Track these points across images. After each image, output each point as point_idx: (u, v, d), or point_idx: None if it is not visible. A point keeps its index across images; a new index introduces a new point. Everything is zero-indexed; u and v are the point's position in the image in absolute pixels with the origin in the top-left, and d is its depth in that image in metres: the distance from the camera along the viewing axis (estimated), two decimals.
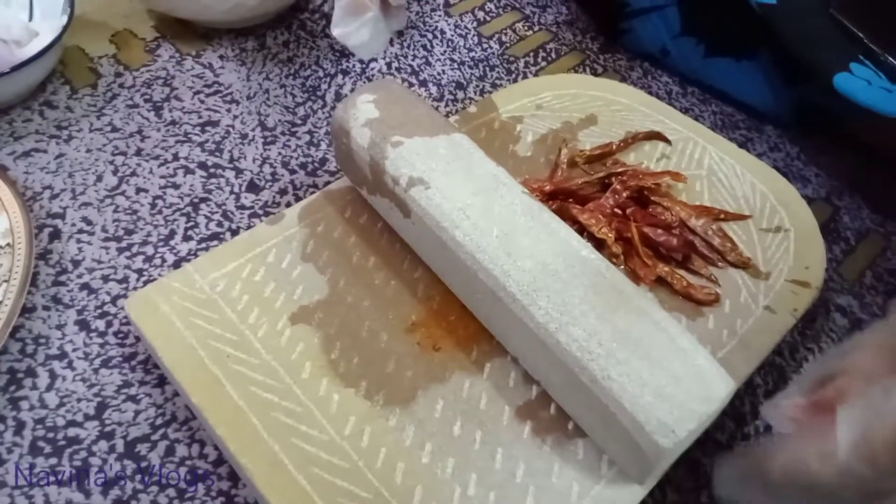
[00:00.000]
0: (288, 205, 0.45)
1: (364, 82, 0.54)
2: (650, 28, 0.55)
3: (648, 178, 0.41)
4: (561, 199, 0.41)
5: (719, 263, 0.40)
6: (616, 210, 0.40)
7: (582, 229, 0.40)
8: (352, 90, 0.53)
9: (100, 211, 0.44)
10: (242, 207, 0.45)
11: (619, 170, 0.42)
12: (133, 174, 0.46)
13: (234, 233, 0.43)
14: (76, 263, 0.41)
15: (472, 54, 0.57)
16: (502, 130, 0.46)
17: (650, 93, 0.53)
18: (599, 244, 0.39)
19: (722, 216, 0.42)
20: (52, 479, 0.33)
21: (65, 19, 0.49)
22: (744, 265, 0.40)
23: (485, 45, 0.58)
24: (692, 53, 0.55)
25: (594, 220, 0.39)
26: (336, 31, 0.38)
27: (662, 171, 0.43)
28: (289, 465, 0.31)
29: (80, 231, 0.43)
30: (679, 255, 0.39)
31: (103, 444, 0.34)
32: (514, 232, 0.33)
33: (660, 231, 0.39)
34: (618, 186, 0.41)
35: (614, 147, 0.45)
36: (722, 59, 0.54)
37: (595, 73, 0.57)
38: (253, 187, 0.46)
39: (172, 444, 0.35)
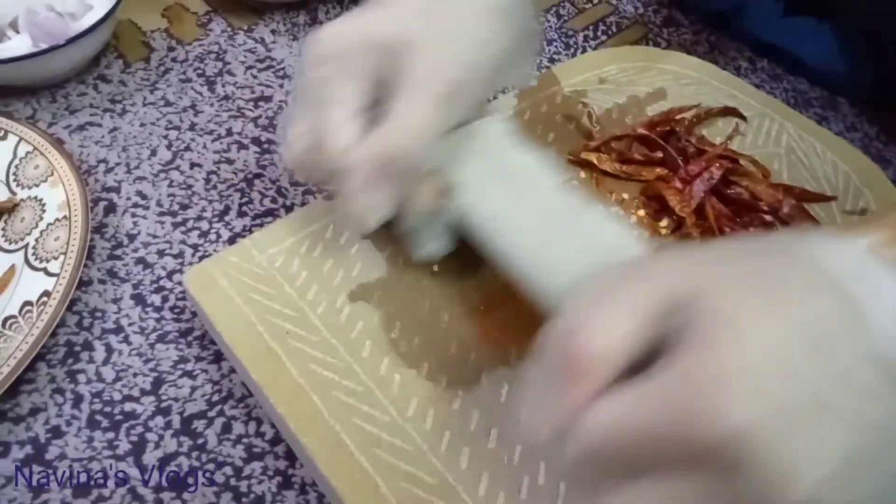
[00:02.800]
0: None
1: None
2: None
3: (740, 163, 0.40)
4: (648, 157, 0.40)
5: None
6: (702, 193, 0.38)
7: (664, 204, 0.38)
8: None
9: (154, 185, 0.43)
10: (296, 184, 0.44)
11: (715, 152, 0.40)
12: (187, 149, 0.45)
13: (288, 209, 0.42)
14: (131, 237, 0.41)
15: None
16: (564, 105, 0.44)
17: (718, 68, 0.50)
18: (680, 221, 0.38)
19: (804, 196, 0.39)
20: (109, 452, 0.33)
21: None
22: None
23: (541, 19, 0.56)
24: (769, 12, 0.51)
25: (678, 197, 0.37)
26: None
27: (751, 157, 0.41)
28: (350, 446, 0.30)
29: (135, 205, 0.42)
30: None
31: (160, 420, 0.34)
32: (549, 241, 0.30)
33: (738, 229, 0.37)
34: (714, 170, 0.38)
35: (683, 116, 0.43)
36: (801, 20, 0.50)
37: (659, 48, 0.54)
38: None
39: (229, 422, 0.34)
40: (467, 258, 0.35)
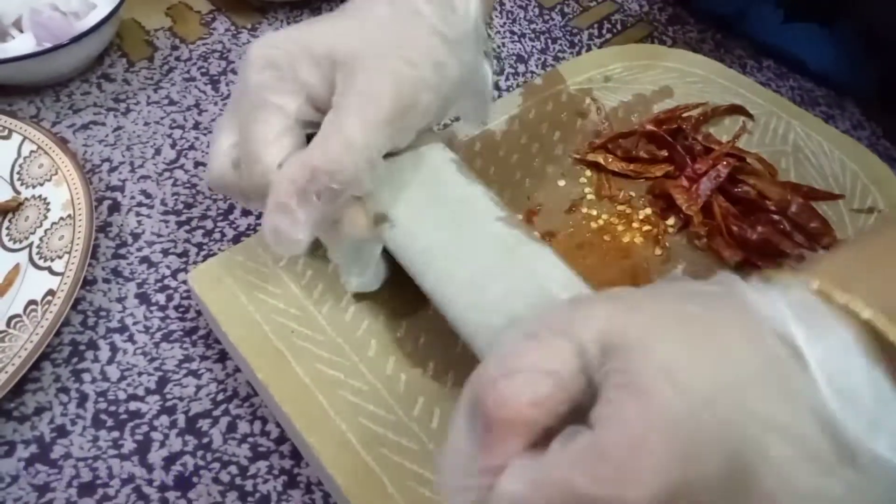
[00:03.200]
0: None
1: None
2: None
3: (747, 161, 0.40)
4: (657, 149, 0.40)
5: (811, 247, 0.37)
6: (708, 192, 0.38)
7: (671, 202, 0.38)
8: None
9: (158, 184, 0.43)
10: None
11: (722, 151, 0.40)
12: (191, 148, 0.45)
13: None
14: (136, 237, 0.41)
15: (532, 26, 0.55)
16: (570, 103, 0.44)
17: (725, 66, 0.50)
18: (687, 220, 0.37)
19: (812, 195, 0.39)
20: (114, 452, 0.33)
21: None
22: None
23: (546, 17, 0.56)
24: (770, 18, 0.51)
25: (685, 196, 0.37)
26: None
27: (758, 155, 0.41)
28: (356, 445, 0.29)
29: (140, 204, 0.42)
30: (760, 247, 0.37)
31: (164, 419, 0.34)
32: (484, 279, 0.28)
33: (744, 227, 0.37)
34: (721, 168, 0.38)
35: (690, 114, 0.42)
36: (802, 26, 0.50)
37: (664, 46, 0.54)
38: None
39: (234, 421, 0.34)
40: None
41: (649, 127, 0.41)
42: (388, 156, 0.30)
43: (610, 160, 0.40)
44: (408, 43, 0.29)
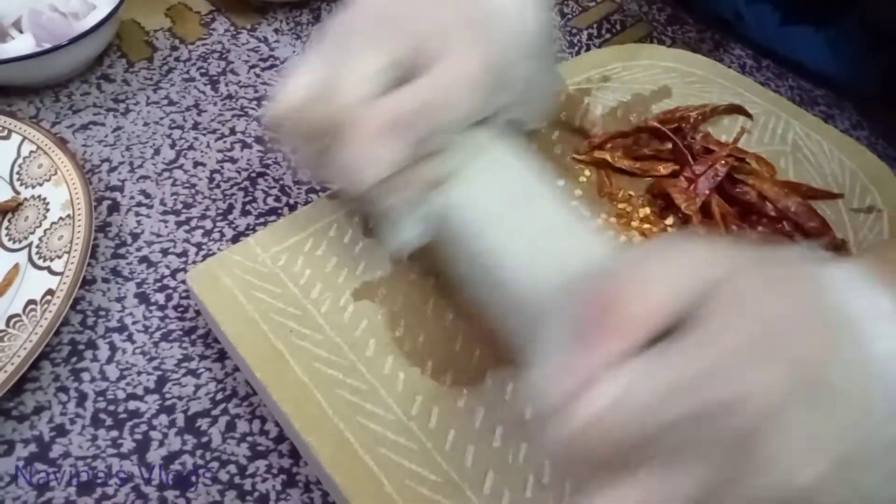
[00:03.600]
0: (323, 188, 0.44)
1: None
2: None
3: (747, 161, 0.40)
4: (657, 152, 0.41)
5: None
6: (707, 191, 0.38)
7: (670, 201, 0.38)
8: None
9: (158, 184, 0.43)
10: (300, 182, 0.44)
11: (722, 152, 0.40)
12: (190, 148, 0.45)
13: (292, 208, 0.42)
14: (135, 236, 0.41)
15: None
16: (568, 103, 0.44)
17: (723, 66, 0.50)
18: (686, 219, 0.38)
19: (811, 194, 0.39)
20: (113, 451, 0.33)
21: None
22: (836, 249, 0.37)
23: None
24: (767, 20, 0.51)
25: (684, 195, 0.37)
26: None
27: (756, 155, 0.41)
28: (355, 445, 0.29)
29: (139, 204, 0.42)
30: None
31: (163, 418, 0.34)
32: (538, 246, 0.29)
33: (744, 227, 0.37)
34: (719, 167, 0.38)
35: (689, 114, 0.42)
36: (799, 28, 0.50)
37: (663, 46, 0.54)
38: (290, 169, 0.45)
39: (233, 420, 0.34)
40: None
41: (652, 123, 0.41)
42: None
43: (617, 157, 0.41)
44: (504, 15, 0.31)
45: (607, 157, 0.40)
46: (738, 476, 0.18)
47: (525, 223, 0.30)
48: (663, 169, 0.40)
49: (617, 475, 0.19)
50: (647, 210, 0.39)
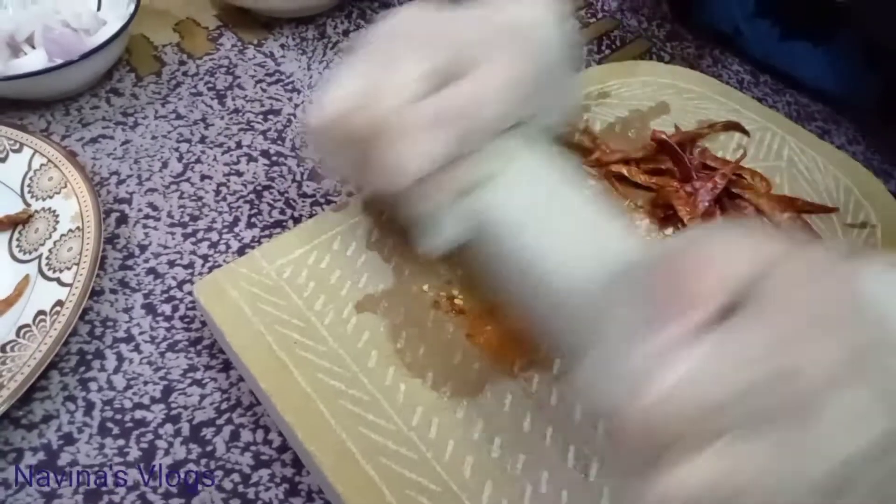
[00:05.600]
0: (349, 194, 0.45)
1: None
2: (723, 5, 0.53)
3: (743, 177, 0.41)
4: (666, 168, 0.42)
5: None
6: (706, 203, 0.39)
7: (673, 214, 0.39)
8: None
9: (165, 197, 0.44)
10: (304, 196, 0.45)
11: (720, 167, 0.41)
12: (198, 161, 0.46)
13: (297, 221, 0.43)
14: (143, 248, 0.42)
15: None
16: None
17: (721, 82, 0.51)
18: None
19: (806, 209, 0.39)
20: (119, 459, 0.33)
21: (131, 8, 0.49)
22: None
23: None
24: (766, 36, 0.52)
25: (686, 207, 0.38)
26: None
27: (752, 170, 0.41)
28: (356, 454, 0.30)
29: (147, 216, 0.43)
30: None
31: (169, 428, 0.34)
32: (572, 247, 0.30)
33: None
34: (718, 179, 0.39)
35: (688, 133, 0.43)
36: (798, 43, 0.51)
37: (662, 62, 0.55)
38: (315, 175, 0.46)
39: (237, 429, 0.34)
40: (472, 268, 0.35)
41: (661, 135, 0.41)
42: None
43: (633, 171, 0.41)
44: (530, 31, 0.32)
45: (624, 170, 0.41)
46: (797, 445, 0.19)
47: (562, 221, 0.31)
48: (678, 184, 0.41)
49: (687, 453, 0.19)
50: (647, 221, 0.40)
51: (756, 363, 0.19)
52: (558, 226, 0.31)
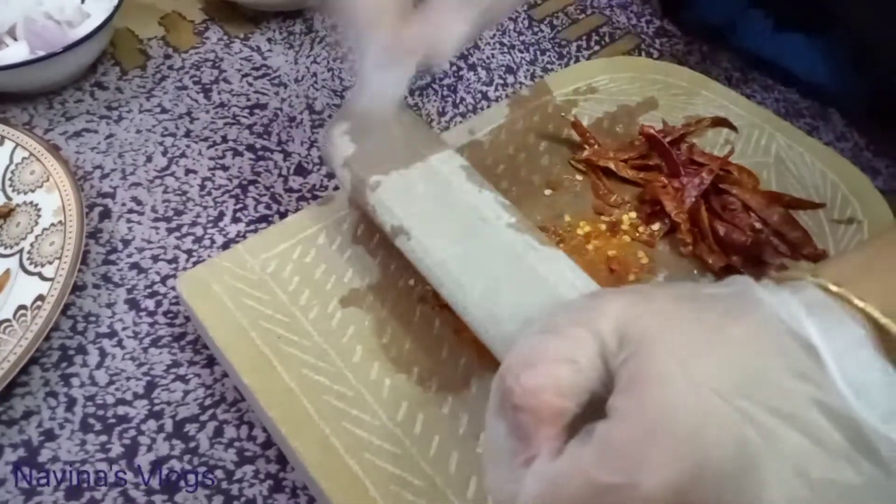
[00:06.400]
0: (336, 188, 0.44)
1: None
2: None
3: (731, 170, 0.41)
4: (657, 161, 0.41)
5: (792, 256, 0.38)
6: (693, 199, 0.39)
7: (660, 209, 0.39)
8: None
9: (149, 191, 0.44)
10: (290, 190, 0.44)
11: (708, 163, 0.41)
12: (182, 155, 0.46)
13: (283, 215, 0.43)
14: (126, 243, 0.41)
15: (522, 38, 0.56)
16: (556, 114, 0.45)
17: (709, 78, 0.51)
18: (674, 226, 0.38)
19: (794, 204, 0.39)
20: (101, 455, 0.33)
21: (115, 1, 0.49)
22: (817, 259, 0.37)
23: (535, 29, 0.57)
24: (760, 27, 0.52)
25: (674, 203, 0.38)
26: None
27: (739, 165, 0.41)
28: (340, 450, 0.30)
29: (130, 211, 0.43)
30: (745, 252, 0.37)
31: (152, 424, 0.34)
32: (497, 287, 0.29)
33: (731, 227, 0.37)
34: (704, 175, 0.39)
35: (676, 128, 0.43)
36: (792, 35, 0.51)
37: (651, 58, 0.55)
38: (301, 170, 0.45)
39: (221, 426, 0.34)
40: None
41: (649, 129, 0.41)
42: (398, 170, 0.33)
43: (621, 167, 0.41)
44: None
45: (611, 165, 0.41)
46: None
47: (476, 266, 0.30)
48: (666, 180, 0.41)
49: None
50: (634, 215, 0.40)
51: (601, 497, 0.18)
52: (473, 277, 0.30)
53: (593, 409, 0.20)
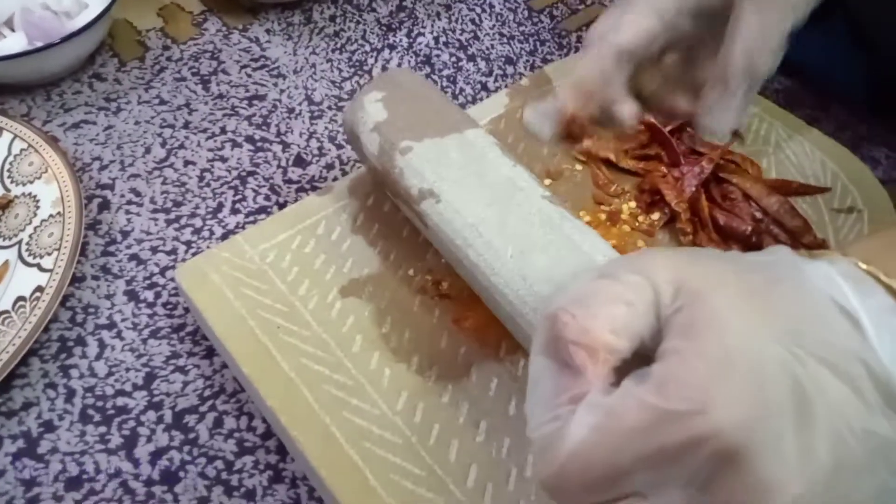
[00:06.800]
0: (335, 179, 0.44)
1: (411, 58, 0.53)
2: None
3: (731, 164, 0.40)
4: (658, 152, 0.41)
5: (792, 245, 0.38)
6: (693, 188, 0.39)
7: (660, 199, 0.39)
8: (399, 64, 0.52)
9: (148, 183, 0.44)
10: (290, 181, 0.44)
11: (708, 152, 0.40)
12: (181, 147, 0.46)
13: (282, 207, 0.43)
14: (125, 234, 0.41)
15: (522, 28, 0.56)
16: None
17: None
18: (673, 215, 0.38)
19: (801, 191, 0.39)
20: (101, 446, 0.33)
21: None
22: (818, 247, 0.37)
23: (535, 20, 0.56)
24: None
25: (674, 192, 0.38)
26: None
27: (742, 155, 0.41)
28: (340, 439, 0.30)
29: (129, 202, 0.43)
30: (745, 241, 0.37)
31: (151, 415, 0.34)
32: (530, 250, 0.29)
33: (731, 216, 0.37)
34: (704, 164, 0.39)
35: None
36: None
37: None
38: (300, 161, 0.45)
39: (221, 416, 0.34)
40: None
41: (650, 119, 0.41)
42: (432, 137, 0.33)
43: (621, 157, 0.41)
44: None
45: (611, 155, 0.41)
46: (728, 497, 0.18)
47: (510, 230, 0.30)
48: (666, 169, 0.41)
49: None
50: (633, 205, 0.40)
51: (651, 434, 0.18)
52: (506, 239, 0.30)
53: (636, 363, 0.20)
